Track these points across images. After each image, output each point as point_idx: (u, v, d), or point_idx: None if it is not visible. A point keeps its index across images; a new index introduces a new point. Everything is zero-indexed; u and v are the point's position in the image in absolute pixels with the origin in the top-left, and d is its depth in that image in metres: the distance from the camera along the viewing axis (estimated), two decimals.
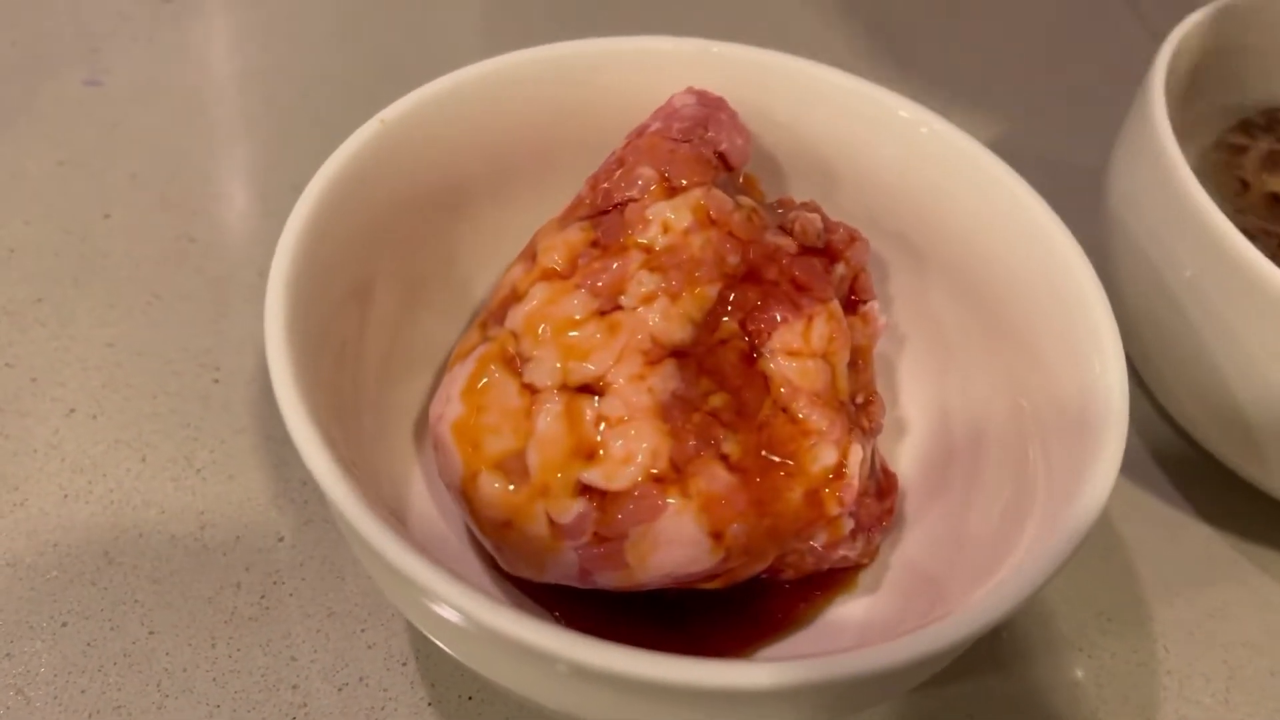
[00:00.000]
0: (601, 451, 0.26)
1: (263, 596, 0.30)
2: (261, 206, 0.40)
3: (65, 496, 0.32)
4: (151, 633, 0.29)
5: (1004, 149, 0.29)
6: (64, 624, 0.29)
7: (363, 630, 0.30)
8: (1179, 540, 0.35)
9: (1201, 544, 0.35)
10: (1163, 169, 0.31)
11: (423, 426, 0.31)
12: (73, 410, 0.34)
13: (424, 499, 0.30)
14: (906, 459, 0.31)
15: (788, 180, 0.33)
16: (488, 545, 0.27)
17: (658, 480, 0.25)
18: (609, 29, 0.32)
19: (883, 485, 0.29)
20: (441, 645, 0.25)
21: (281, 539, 0.32)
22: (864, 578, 0.29)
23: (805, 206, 0.29)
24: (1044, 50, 0.52)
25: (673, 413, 0.26)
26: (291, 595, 0.30)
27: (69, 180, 0.40)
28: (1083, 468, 0.24)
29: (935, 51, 0.51)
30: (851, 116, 0.30)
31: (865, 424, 0.28)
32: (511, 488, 0.26)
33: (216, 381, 0.35)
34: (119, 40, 0.45)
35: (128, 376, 0.35)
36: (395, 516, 0.29)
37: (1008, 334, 0.29)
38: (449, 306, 0.32)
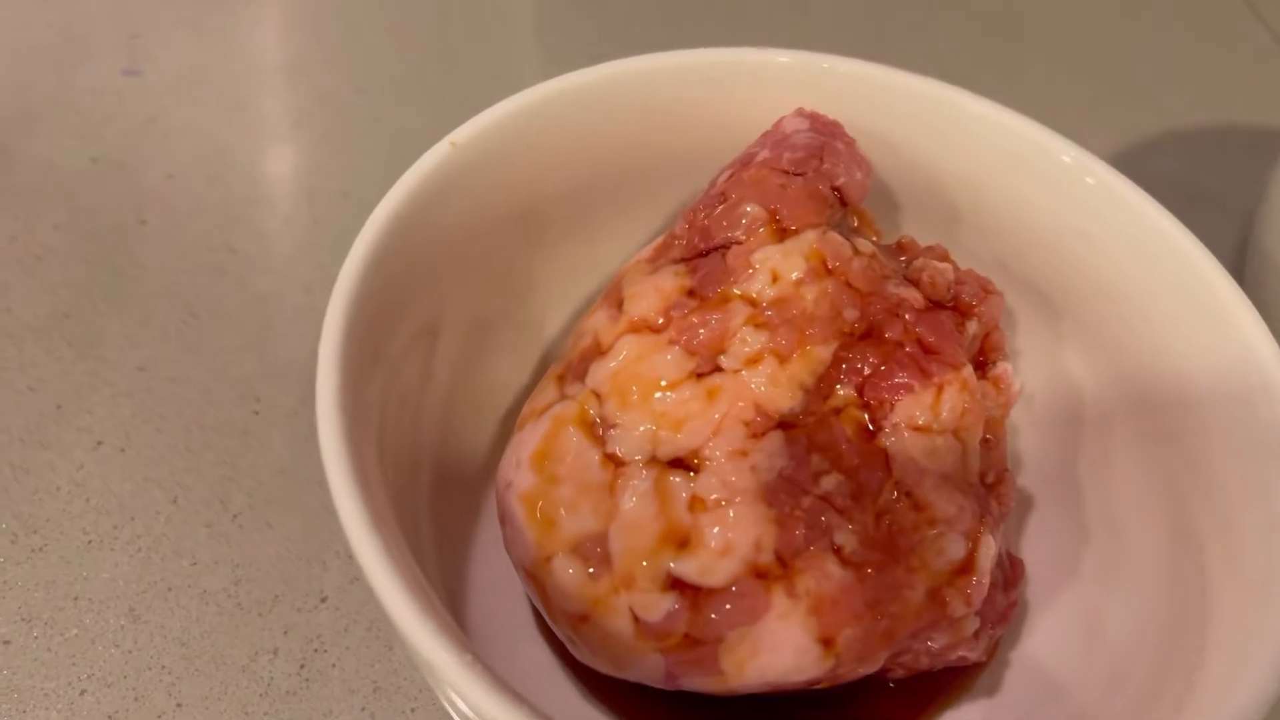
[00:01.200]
0: (696, 540, 0.22)
1: (302, 666, 0.27)
2: (309, 214, 0.37)
3: (89, 542, 0.29)
4: (179, 705, 0.26)
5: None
6: (82, 691, 0.26)
7: (412, 710, 0.27)
8: None
9: None
10: None
11: (485, 480, 0.27)
12: (100, 443, 0.31)
13: (485, 563, 0.26)
14: (1029, 538, 0.28)
15: (902, 214, 0.29)
16: (560, 634, 0.24)
17: (760, 576, 0.22)
18: (677, 38, 0.28)
19: (1008, 574, 0.26)
20: None
21: (324, 599, 0.28)
22: (981, 678, 0.26)
23: (932, 253, 0.26)
24: (1170, 73, 0.48)
25: (779, 496, 0.22)
26: (334, 666, 0.27)
27: (102, 179, 0.37)
28: (1273, 583, 0.20)
29: (1044, 65, 0.47)
30: (991, 150, 0.26)
31: (995, 508, 0.25)
32: (591, 575, 0.23)
33: (256, 413, 0.32)
34: (161, 25, 0.42)
35: (160, 405, 0.31)
36: (451, 589, 0.25)
37: (1160, 413, 0.25)
38: (519, 347, 0.28)
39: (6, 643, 0.27)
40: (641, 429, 0.23)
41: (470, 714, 0.19)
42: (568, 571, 0.23)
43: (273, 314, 0.34)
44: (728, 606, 0.22)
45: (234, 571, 0.29)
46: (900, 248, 0.26)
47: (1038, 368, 0.28)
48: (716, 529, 0.22)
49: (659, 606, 0.22)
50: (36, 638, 0.27)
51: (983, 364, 0.26)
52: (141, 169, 0.37)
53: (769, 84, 0.27)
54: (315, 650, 0.27)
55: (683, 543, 0.22)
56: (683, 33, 0.45)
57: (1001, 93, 0.27)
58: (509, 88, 0.43)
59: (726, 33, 0.45)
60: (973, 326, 0.25)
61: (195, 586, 0.28)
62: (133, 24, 0.42)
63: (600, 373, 0.24)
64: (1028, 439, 0.29)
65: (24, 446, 0.30)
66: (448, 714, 0.27)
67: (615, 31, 0.44)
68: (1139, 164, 0.41)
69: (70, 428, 0.31)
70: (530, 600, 0.25)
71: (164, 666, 0.27)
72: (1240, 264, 0.31)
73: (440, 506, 0.26)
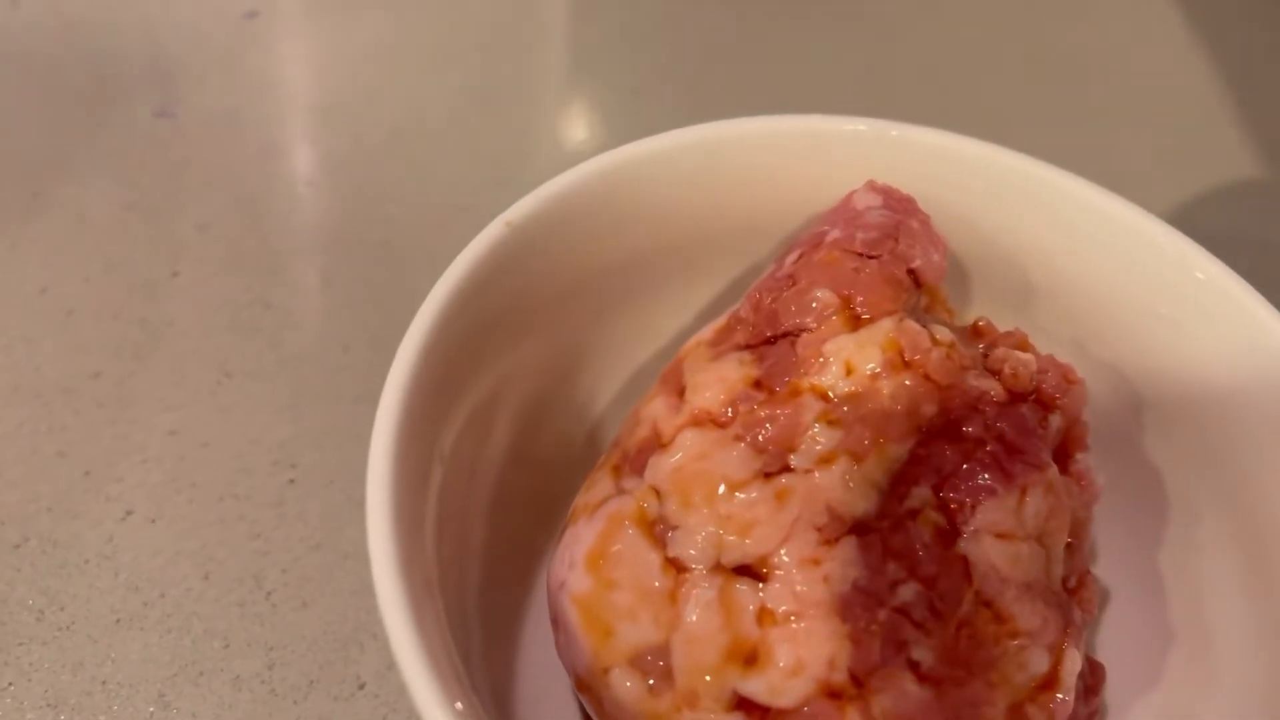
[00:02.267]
0: (764, 656, 0.21)
1: None
2: (347, 267, 0.36)
3: (117, 621, 0.28)
4: None
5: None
6: None
7: None
8: None
9: None
10: None
11: (533, 576, 0.26)
12: (130, 512, 0.30)
13: (535, 669, 0.25)
14: (1107, 634, 0.26)
15: (973, 289, 0.27)
16: None
17: (833, 696, 0.20)
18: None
19: (1089, 683, 0.24)
20: None
21: (362, 686, 0.27)
22: None
23: (1012, 339, 0.24)
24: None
25: (853, 608, 0.21)
26: None
27: (134, 229, 0.36)
28: None
29: (1102, 111, 0.45)
30: (1071, 227, 0.25)
31: (1079, 615, 0.23)
32: (651, 690, 0.21)
33: (292, 482, 0.30)
34: (194, 65, 0.41)
35: (191, 473, 0.30)
36: (497, 688, 0.24)
37: (1248, 492, 0.24)
38: (570, 423, 0.27)
39: None
40: (705, 532, 0.21)
41: None
42: (625, 685, 0.21)
43: (309, 374, 0.33)
44: None
45: (268, 655, 0.27)
46: (977, 332, 0.25)
47: (1116, 453, 0.27)
48: (787, 645, 0.20)
49: None
50: None
51: (1064, 458, 0.24)
52: (174, 217, 0.36)
53: (836, 152, 0.26)
54: None
55: (750, 659, 0.21)
56: (720, 79, 0.43)
57: (1055, 139, 0.25)
58: (546, 130, 0.42)
59: (774, 79, 0.43)
60: (1055, 420, 0.23)
61: (228, 670, 0.27)
62: (166, 64, 0.41)
63: (661, 468, 0.22)
64: (1104, 527, 0.27)
65: (52, 516, 0.29)
66: None
67: (653, 76, 0.43)
68: (1202, 221, 0.39)
69: (99, 496, 0.30)
70: (582, 707, 0.24)
71: None
72: None
73: (490, 596, 0.25)
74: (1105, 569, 0.27)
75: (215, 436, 0.31)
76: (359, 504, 0.30)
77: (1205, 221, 0.39)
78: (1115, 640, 0.26)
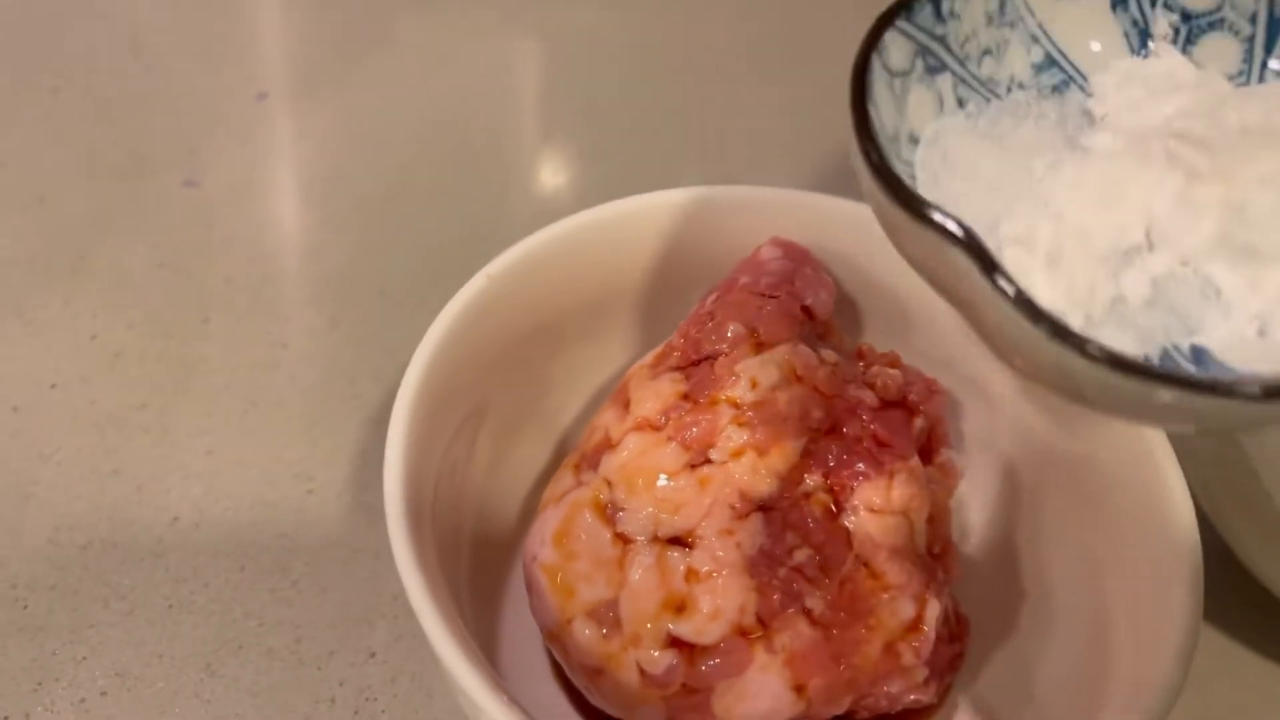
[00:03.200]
0: (691, 605, 0.27)
1: (356, 712, 0.32)
2: (352, 311, 0.42)
3: (169, 606, 0.34)
4: None
5: None
6: None
7: None
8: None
9: None
10: None
11: (511, 554, 0.32)
12: (176, 519, 0.35)
13: (512, 625, 0.31)
14: (975, 597, 0.32)
15: (865, 321, 0.34)
16: (577, 684, 0.29)
17: (744, 635, 0.27)
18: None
19: (954, 630, 0.30)
20: None
21: (373, 655, 0.33)
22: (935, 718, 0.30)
23: (885, 359, 0.31)
24: None
25: (759, 568, 0.27)
26: (384, 712, 0.32)
27: (169, 283, 0.42)
28: (1161, 634, 0.25)
29: None
30: None
31: (941, 575, 0.29)
32: (604, 636, 0.27)
33: (310, 492, 0.36)
34: (215, 140, 0.47)
35: (226, 485, 0.36)
36: (485, 642, 0.30)
37: (1078, 481, 0.30)
38: (540, 435, 0.33)
39: (104, 694, 0.32)
40: (645, 512, 0.28)
41: None
42: (585, 632, 0.27)
43: (321, 403, 0.39)
44: (718, 661, 0.27)
45: (295, 631, 0.33)
46: (859, 354, 0.31)
47: (981, 450, 0.33)
48: (708, 596, 0.27)
49: (661, 661, 0.27)
50: (128, 690, 0.32)
51: (930, 452, 0.31)
52: (202, 272, 0.42)
53: (749, 216, 0.32)
54: (367, 699, 0.32)
55: (680, 608, 0.27)
56: (673, 144, 0.50)
57: None
58: (520, 192, 0.48)
59: (714, 147, 0.50)
60: (920, 422, 0.30)
61: (262, 644, 0.33)
62: (190, 140, 0.47)
63: (611, 464, 0.29)
64: (975, 513, 0.34)
65: (111, 523, 0.35)
66: None
67: (614, 142, 0.50)
68: None
69: (150, 506, 0.36)
70: (551, 654, 0.30)
71: (237, 715, 0.31)
72: None
73: (477, 570, 0.31)
74: (975, 544, 0.33)
75: (245, 456, 0.37)
76: (366, 509, 0.36)
77: None
78: (982, 603, 0.32)
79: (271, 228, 0.45)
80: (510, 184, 0.48)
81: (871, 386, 0.29)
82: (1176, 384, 0.18)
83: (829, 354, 0.30)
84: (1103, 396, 0.19)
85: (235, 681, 0.32)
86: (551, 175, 0.49)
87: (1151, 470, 0.28)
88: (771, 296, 0.30)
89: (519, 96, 0.52)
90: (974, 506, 0.34)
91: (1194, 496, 0.32)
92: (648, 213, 0.32)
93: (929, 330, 0.33)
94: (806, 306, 0.30)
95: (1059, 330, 0.18)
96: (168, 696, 0.32)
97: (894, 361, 0.30)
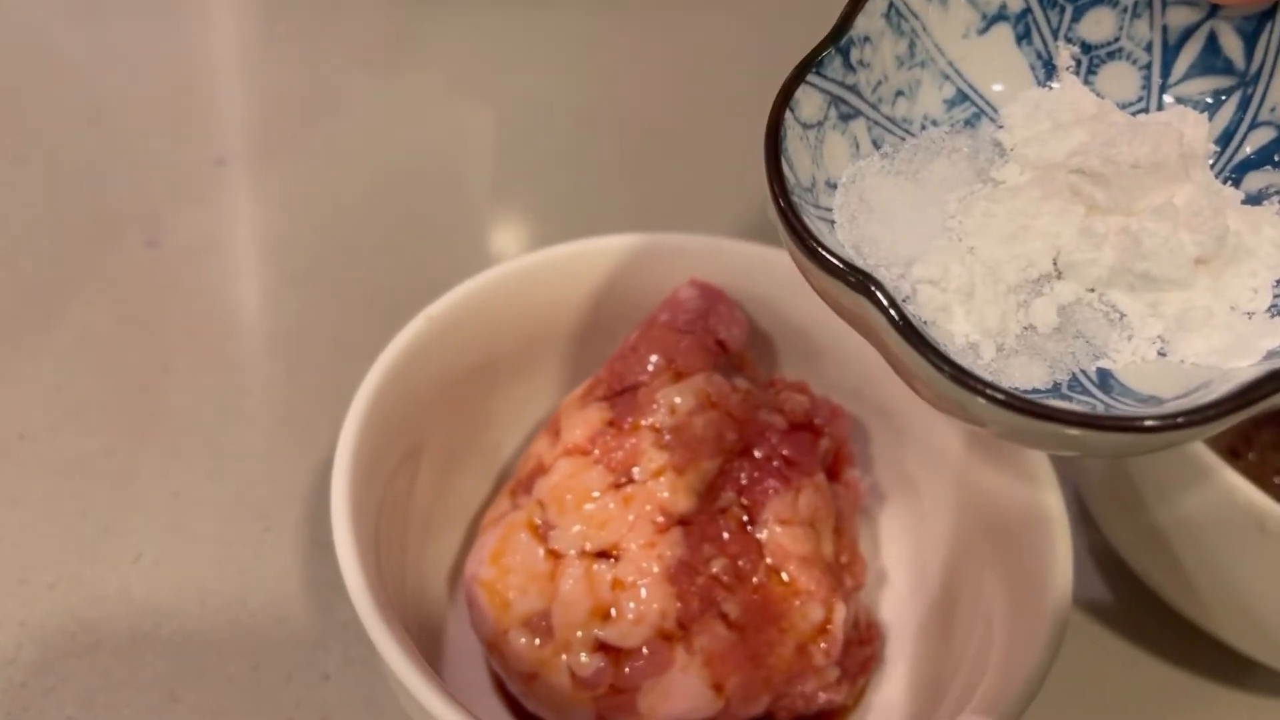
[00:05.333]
0: (616, 612, 0.29)
1: None
2: (309, 362, 0.44)
3: (134, 638, 0.35)
4: None
5: None
6: None
7: None
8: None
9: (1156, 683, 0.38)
10: None
11: (455, 579, 0.34)
12: (140, 556, 0.37)
13: (455, 643, 0.33)
14: (888, 606, 0.35)
15: (780, 356, 0.37)
16: (515, 692, 0.31)
17: (666, 638, 0.29)
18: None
19: (864, 635, 0.33)
20: None
21: (327, 677, 0.35)
22: (850, 718, 0.33)
23: (793, 387, 0.33)
24: None
25: (679, 576, 0.30)
26: None
27: (131, 337, 0.44)
28: (1033, 639, 0.28)
29: None
30: None
31: (849, 582, 0.32)
32: (537, 643, 0.30)
33: (267, 530, 0.39)
34: (176, 203, 0.50)
35: (188, 526, 0.38)
36: (430, 658, 0.32)
37: (973, 499, 0.33)
38: (481, 468, 0.36)
39: None
40: (575, 529, 0.30)
41: None
42: (520, 641, 0.30)
43: (279, 448, 0.41)
44: (641, 663, 0.29)
45: (253, 657, 0.35)
46: (771, 383, 0.34)
47: (889, 471, 0.36)
48: (632, 604, 0.29)
49: (590, 665, 0.29)
50: (96, 718, 0.34)
51: (836, 470, 0.33)
52: (164, 327, 0.45)
53: (670, 260, 0.35)
54: (322, 718, 0.34)
55: (607, 615, 0.29)
56: (609, 198, 0.53)
57: None
58: (467, 248, 0.51)
59: (648, 202, 0.53)
60: (825, 443, 0.33)
61: (223, 671, 0.35)
62: (152, 203, 0.50)
63: (543, 487, 0.31)
64: (886, 528, 0.36)
65: (79, 561, 0.37)
66: None
67: (557, 196, 0.53)
68: None
69: (116, 544, 0.38)
70: (490, 666, 0.32)
71: None
72: None
73: (421, 593, 0.33)
74: (888, 557, 0.36)
75: (206, 497, 0.39)
76: (319, 546, 0.38)
77: None
78: (893, 609, 0.35)
79: (230, 284, 0.47)
80: (458, 239, 0.51)
81: (780, 411, 0.32)
82: (1074, 422, 0.19)
83: (741, 382, 0.32)
84: (1006, 431, 0.21)
85: (197, 707, 0.34)
86: (498, 229, 0.53)
87: (1034, 488, 0.31)
88: (688, 332, 0.33)
89: (467, 157, 0.55)
90: (885, 522, 0.36)
91: (1082, 503, 0.35)
92: (580, 258, 0.35)
93: (839, 362, 0.36)
94: (720, 340, 0.33)
95: (960, 376, 0.20)
96: None
97: (802, 388, 0.33)
